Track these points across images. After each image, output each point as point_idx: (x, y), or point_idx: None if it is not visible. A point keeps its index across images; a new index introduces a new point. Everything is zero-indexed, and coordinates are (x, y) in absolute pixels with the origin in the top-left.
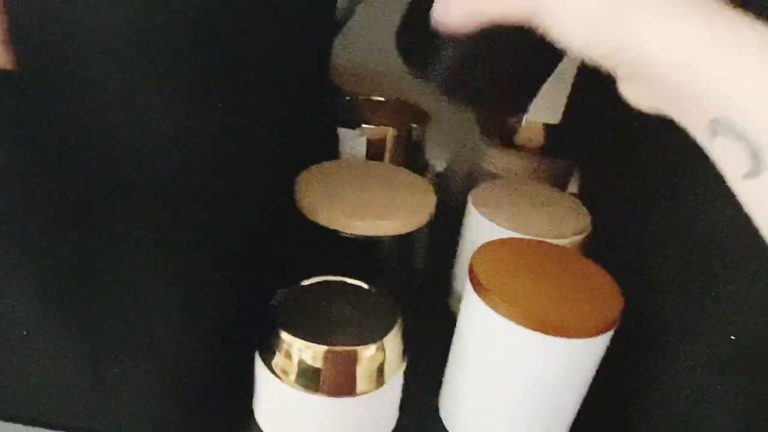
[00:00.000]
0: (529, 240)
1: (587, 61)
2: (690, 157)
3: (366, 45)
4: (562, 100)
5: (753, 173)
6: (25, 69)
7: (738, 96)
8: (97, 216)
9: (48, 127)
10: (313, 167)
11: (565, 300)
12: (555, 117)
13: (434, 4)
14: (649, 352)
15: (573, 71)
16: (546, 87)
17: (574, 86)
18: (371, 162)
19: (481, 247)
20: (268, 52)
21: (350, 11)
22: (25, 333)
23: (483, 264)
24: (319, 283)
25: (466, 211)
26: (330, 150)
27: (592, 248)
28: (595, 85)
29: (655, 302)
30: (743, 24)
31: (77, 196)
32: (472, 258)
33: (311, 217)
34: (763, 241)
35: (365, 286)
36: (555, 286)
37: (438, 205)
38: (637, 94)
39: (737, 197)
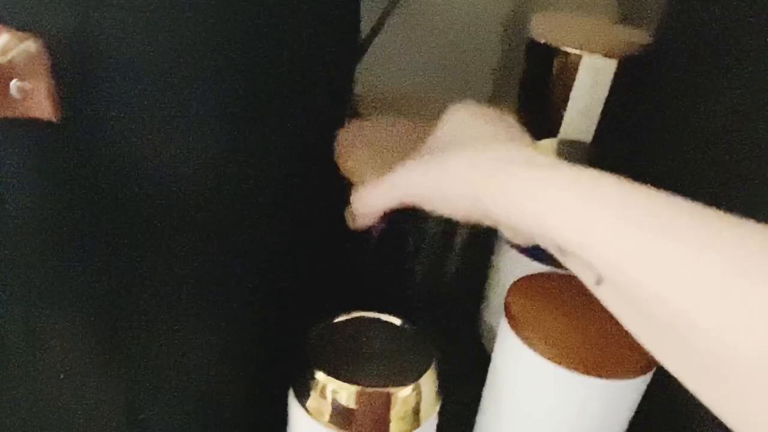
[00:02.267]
0: (564, 274)
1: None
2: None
3: (390, 69)
4: (595, 118)
5: (598, 282)
6: (66, 120)
7: (567, 232)
8: (134, 258)
9: (89, 173)
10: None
11: (604, 339)
12: (587, 135)
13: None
14: (686, 392)
15: (606, 90)
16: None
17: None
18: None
19: (517, 282)
20: (296, 86)
21: (374, 33)
22: (61, 377)
23: (519, 300)
24: (351, 319)
25: (497, 242)
26: None
27: None
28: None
29: None
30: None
31: (116, 239)
32: (508, 294)
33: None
34: None
35: (398, 322)
36: (592, 323)
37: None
38: (511, 235)
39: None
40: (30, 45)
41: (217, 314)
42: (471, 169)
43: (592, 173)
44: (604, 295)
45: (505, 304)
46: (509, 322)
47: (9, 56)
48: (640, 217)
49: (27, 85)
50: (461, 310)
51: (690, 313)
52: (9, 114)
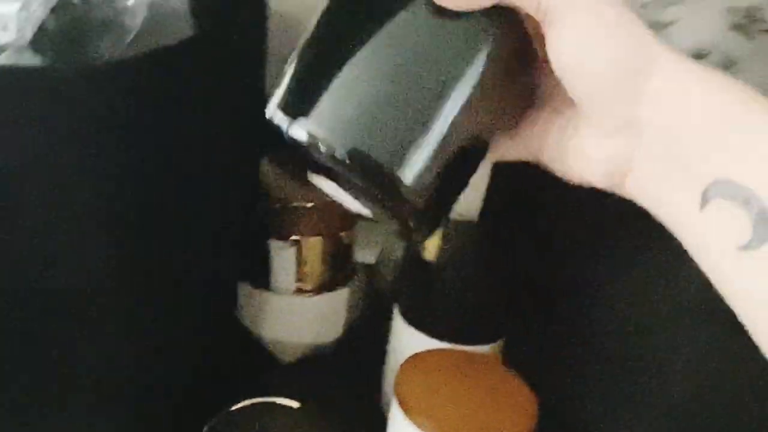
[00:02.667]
0: (450, 351)
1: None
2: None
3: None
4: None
5: (754, 244)
6: None
7: (754, 162)
8: (20, 359)
9: None
10: None
11: (486, 415)
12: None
13: None
14: None
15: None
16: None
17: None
18: None
19: (405, 363)
20: (194, 165)
21: None
22: None
23: (408, 381)
24: (248, 406)
25: (394, 315)
26: (261, 262)
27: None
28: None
29: (572, 409)
30: (748, 90)
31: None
32: (397, 376)
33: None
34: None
35: (296, 405)
36: (476, 399)
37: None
38: (618, 152)
39: (719, 274)
40: None
41: (108, 409)
42: (655, 45)
43: None
44: (753, 260)
45: (395, 385)
46: (399, 403)
47: None
48: None
49: None
50: (365, 387)
51: None
52: None
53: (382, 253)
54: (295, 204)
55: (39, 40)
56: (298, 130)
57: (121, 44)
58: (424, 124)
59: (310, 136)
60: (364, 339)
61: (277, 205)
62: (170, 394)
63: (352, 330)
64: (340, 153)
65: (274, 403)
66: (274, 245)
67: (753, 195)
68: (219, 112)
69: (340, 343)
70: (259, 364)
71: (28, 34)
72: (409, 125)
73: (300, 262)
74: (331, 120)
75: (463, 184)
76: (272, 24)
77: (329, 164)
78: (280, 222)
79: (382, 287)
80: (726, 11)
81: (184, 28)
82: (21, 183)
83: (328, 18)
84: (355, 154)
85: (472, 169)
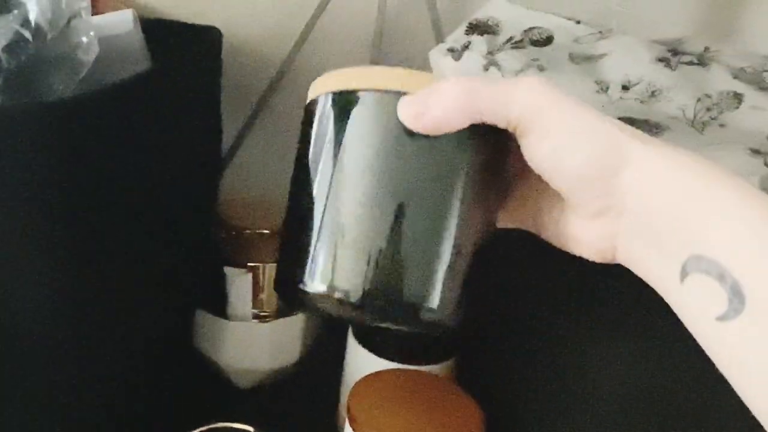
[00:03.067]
0: (401, 370)
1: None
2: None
3: (253, 176)
4: None
5: (728, 315)
6: None
7: (723, 237)
8: None
9: None
10: None
11: (432, 429)
12: None
13: (400, 108)
14: None
15: None
16: None
17: None
18: None
19: (357, 384)
20: (148, 199)
21: (236, 146)
22: None
23: (359, 402)
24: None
25: (348, 338)
26: (217, 289)
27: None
28: None
29: (516, 423)
30: (729, 172)
31: None
32: (350, 395)
33: None
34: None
35: (251, 430)
36: (425, 418)
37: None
38: (603, 232)
39: (704, 341)
40: None
41: None
42: (630, 136)
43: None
44: (730, 329)
45: (346, 406)
46: (350, 425)
47: None
48: None
49: None
50: (322, 410)
51: None
52: None
53: None
54: (250, 231)
55: None
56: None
57: (74, 80)
58: (436, 252)
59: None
60: (321, 363)
61: (233, 233)
62: (126, 421)
63: (308, 354)
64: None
65: (230, 428)
66: (231, 272)
67: (725, 270)
68: (174, 145)
69: (296, 368)
70: (216, 390)
71: None
72: (422, 259)
73: (256, 288)
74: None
75: (477, 286)
76: (226, 57)
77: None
78: (237, 249)
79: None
80: (651, 45)
81: (138, 64)
82: None
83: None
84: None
85: (480, 269)
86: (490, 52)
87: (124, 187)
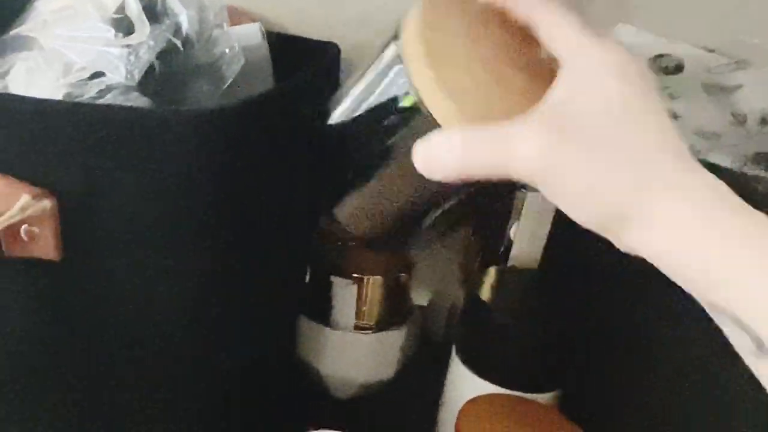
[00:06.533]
0: (509, 396)
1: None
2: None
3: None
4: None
5: (761, 355)
6: (65, 260)
7: (739, 296)
8: (111, 384)
9: (80, 305)
10: None
11: None
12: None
13: (418, 148)
14: None
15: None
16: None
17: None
18: None
19: (465, 405)
20: (272, 211)
21: None
22: None
23: (470, 422)
24: None
25: (451, 358)
26: (323, 296)
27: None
28: None
29: None
30: (749, 222)
31: (96, 367)
32: (459, 416)
33: None
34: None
35: None
36: None
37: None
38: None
39: (751, 366)
40: (46, 203)
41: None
42: (640, 192)
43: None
44: (760, 369)
45: (455, 428)
46: None
47: (27, 214)
48: None
49: (35, 229)
50: (417, 426)
51: None
52: (17, 254)
53: (435, 296)
54: (358, 243)
55: (145, 83)
56: None
57: (218, 88)
58: None
59: None
60: (415, 381)
61: (340, 243)
62: (230, 419)
63: (403, 371)
64: None
65: None
66: (337, 282)
67: (745, 325)
68: (293, 161)
69: (393, 383)
70: (314, 398)
71: (136, 76)
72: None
73: (360, 299)
74: None
75: None
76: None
77: None
78: (343, 260)
79: (433, 329)
80: None
81: (264, 77)
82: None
83: None
84: None
85: None
86: None
87: (259, 190)
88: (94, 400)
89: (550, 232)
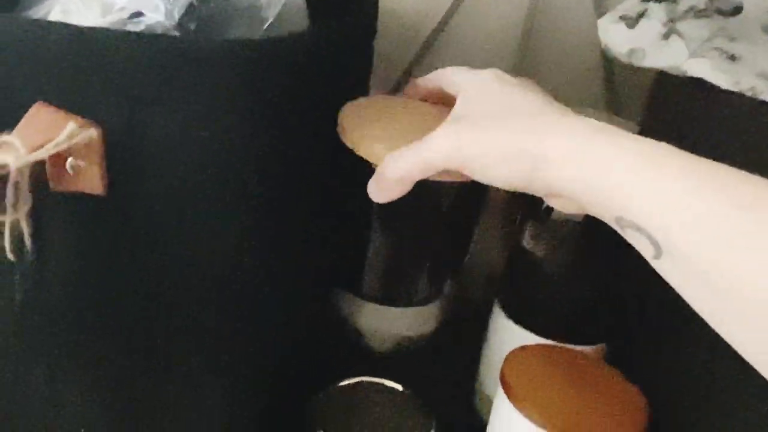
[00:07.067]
0: (555, 346)
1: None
2: None
3: None
4: None
5: (657, 255)
6: (110, 195)
7: (634, 203)
8: (154, 325)
9: (125, 244)
10: None
11: (596, 409)
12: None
13: (369, 186)
14: None
15: None
16: None
17: None
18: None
19: (512, 352)
20: (313, 158)
21: None
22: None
23: (515, 371)
24: (354, 384)
25: (493, 309)
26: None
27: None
28: None
29: (682, 415)
30: (637, 139)
31: (139, 306)
32: (504, 364)
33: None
34: None
35: (399, 388)
36: (586, 394)
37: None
38: (560, 205)
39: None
40: (92, 132)
41: (226, 381)
42: (536, 136)
43: (658, 144)
44: (662, 267)
45: (501, 374)
46: (505, 392)
47: (73, 141)
48: (709, 187)
49: (81, 163)
50: (456, 378)
51: (758, 283)
52: (62, 188)
53: (474, 252)
54: None
55: (184, 23)
56: None
57: (257, 32)
58: None
59: None
60: (454, 334)
61: None
62: (276, 372)
63: (443, 325)
64: None
65: (379, 384)
66: None
67: (639, 227)
68: (328, 107)
69: (431, 338)
70: (356, 352)
71: (176, 16)
72: None
73: None
74: None
75: None
76: (381, 24)
77: None
78: None
79: (472, 285)
80: None
81: (298, 21)
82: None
83: None
84: None
85: None
86: (670, 20)
87: (296, 137)
88: (132, 341)
89: None
